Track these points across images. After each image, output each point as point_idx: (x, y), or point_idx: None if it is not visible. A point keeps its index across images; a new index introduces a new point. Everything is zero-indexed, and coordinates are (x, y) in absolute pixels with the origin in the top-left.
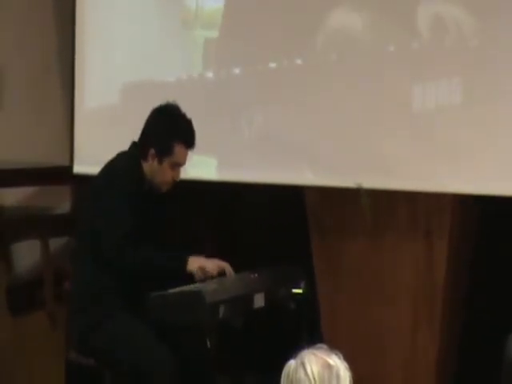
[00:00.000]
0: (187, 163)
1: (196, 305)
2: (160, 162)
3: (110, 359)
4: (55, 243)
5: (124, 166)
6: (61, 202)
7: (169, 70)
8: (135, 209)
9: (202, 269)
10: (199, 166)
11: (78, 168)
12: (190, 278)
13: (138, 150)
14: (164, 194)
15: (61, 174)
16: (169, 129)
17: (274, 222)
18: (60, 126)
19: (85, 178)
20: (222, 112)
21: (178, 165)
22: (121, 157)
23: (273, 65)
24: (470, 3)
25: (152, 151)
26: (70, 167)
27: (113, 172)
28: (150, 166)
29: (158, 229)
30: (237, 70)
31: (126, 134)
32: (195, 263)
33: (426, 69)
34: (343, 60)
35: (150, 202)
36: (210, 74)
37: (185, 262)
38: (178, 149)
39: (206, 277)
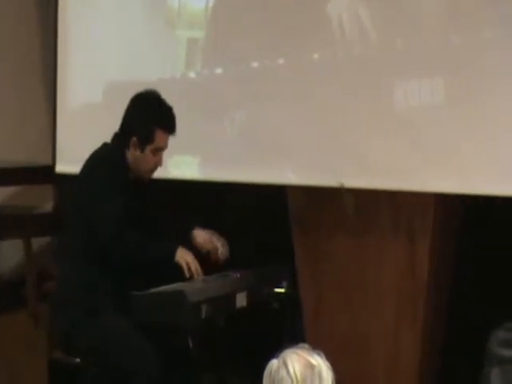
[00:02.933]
0: (170, 163)
1: (178, 304)
2: (142, 150)
3: (94, 358)
4: (38, 242)
5: (107, 155)
6: (43, 201)
7: (152, 70)
8: (123, 197)
9: (188, 265)
10: (182, 166)
11: (61, 167)
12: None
13: (120, 140)
14: (145, 189)
15: (43, 174)
16: (148, 115)
17: (257, 222)
18: (42, 126)
19: (67, 178)
20: (204, 112)
21: (159, 150)
22: (104, 147)
23: (255, 64)
24: (453, 2)
25: (134, 139)
26: (53, 166)
27: (96, 161)
28: (132, 154)
29: (144, 219)
30: (219, 70)
31: (108, 133)
32: (184, 256)
33: (409, 68)
34: (325, 59)
35: (135, 193)
36: (192, 74)
37: (173, 253)
38: (159, 134)
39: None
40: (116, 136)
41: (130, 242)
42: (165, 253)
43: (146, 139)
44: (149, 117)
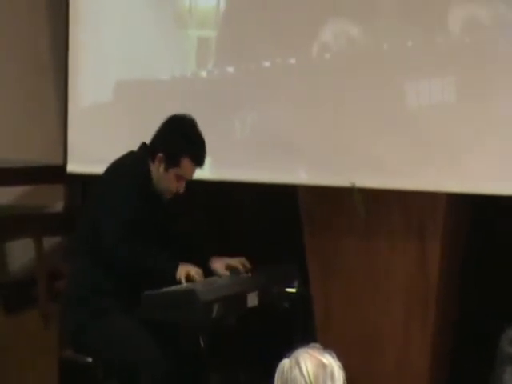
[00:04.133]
0: None
1: (189, 304)
2: (166, 169)
3: (103, 357)
4: (49, 242)
5: (131, 163)
6: (54, 201)
7: (162, 69)
8: (139, 206)
9: (188, 275)
10: None
11: (72, 167)
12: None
13: (146, 151)
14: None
15: (54, 173)
16: (181, 141)
17: (268, 221)
18: (53, 125)
19: (78, 177)
20: (215, 111)
21: (183, 178)
22: (129, 155)
23: (267, 64)
24: (463, 0)
25: (160, 156)
26: (64, 166)
27: (119, 169)
28: (156, 169)
29: (162, 232)
30: (230, 69)
31: (119, 132)
32: (182, 271)
33: (419, 68)
34: (337, 59)
35: (157, 204)
36: (203, 73)
37: (174, 269)
38: (186, 163)
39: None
40: (143, 146)
41: (132, 250)
42: (166, 270)
43: (172, 161)
44: (181, 143)
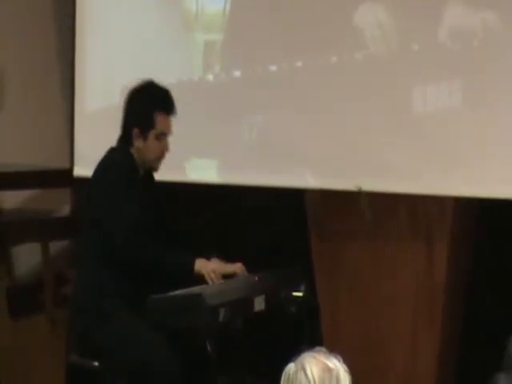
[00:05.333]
0: (188, 166)
1: (196, 308)
2: (145, 138)
3: (111, 360)
4: (55, 246)
5: (117, 157)
6: (61, 204)
7: (169, 73)
8: (136, 198)
9: (213, 273)
10: (200, 169)
11: (79, 170)
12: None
13: (123, 140)
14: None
15: (61, 177)
16: (145, 101)
17: (275, 225)
18: (60, 129)
19: (85, 181)
20: (222, 115)
21: (163, 135)
22: (112, 151)
23: (273, 68)
24: (471, 4)
25: (135, 131)
26: (71, 170)
27: (108, 166)
28: (137, 147)
29: (158, 220)
30: (237, 73)
31: None
32: (204, 266)
33: (426, 72)
34: (344, 63)
35: (147, 191)
36: (210, 77)
37: (192, 264)
38: (159, 118)
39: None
40: (120, 138)
41: (144, 252)
42: (182, 265)
43: (146, 126)
44: (145, 103)
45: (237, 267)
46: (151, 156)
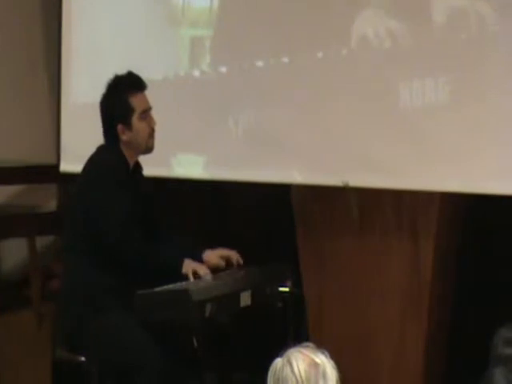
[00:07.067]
0: (174, 161)
1: (182, 303)
2: (130, 127)
3: (98, 356)
4: (42, 242)
5: (106, 157)
6: (47, 200)
7: (155, 69)
8: (128, 195)
9: (195, 273)
10: (187, 165)
11: (65, 166)
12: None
13: (109, 137)
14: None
15: (47, 172)
16: (113, 93)
17: (261, 220)
18: (46, 124)
19: (72, 176)
20: (209, 110)
21: (144, 112)
22: (101, 150)
23: (260, 63)
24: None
25: (119, 127)
26: (57, 165)
27: (98, 164)
28: (125, 141)
29: (148, 215)
30: (223, 69)
31: None
32: (189, 266)
33: (413, 67)
34: (330, 58)
35: (137, 187)
36: (196, 72)
37: (180, 264)
38: (134, 99)
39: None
40: (105, 136)
41: (136, 249)
42: (171, 264)
43: (127, 115)
44: (114, 94)
45: (233, 253)
46: (142, 138)
